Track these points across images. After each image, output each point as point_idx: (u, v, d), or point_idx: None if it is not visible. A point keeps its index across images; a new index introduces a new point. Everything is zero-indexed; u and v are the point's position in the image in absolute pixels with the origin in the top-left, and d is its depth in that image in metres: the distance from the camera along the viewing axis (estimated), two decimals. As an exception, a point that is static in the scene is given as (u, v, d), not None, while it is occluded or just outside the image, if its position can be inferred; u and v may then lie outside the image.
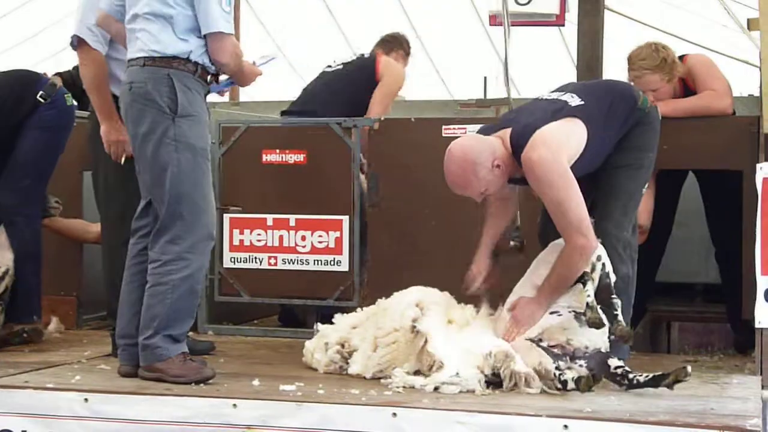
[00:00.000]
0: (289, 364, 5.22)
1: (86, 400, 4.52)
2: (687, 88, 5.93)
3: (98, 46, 5.28)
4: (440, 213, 5.90)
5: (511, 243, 5.33)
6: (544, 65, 11.53)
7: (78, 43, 5.28)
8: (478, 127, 5.73)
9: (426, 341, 4.69)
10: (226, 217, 6.28)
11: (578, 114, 4.87)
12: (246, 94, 12.93)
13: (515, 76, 11.85)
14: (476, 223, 5.61)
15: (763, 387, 4.66)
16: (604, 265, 4.77)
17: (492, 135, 4.89)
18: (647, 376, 4.57)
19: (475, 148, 4.82)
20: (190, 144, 4.73)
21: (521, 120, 4.88)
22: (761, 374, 4.88)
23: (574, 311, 4.72)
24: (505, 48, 6.01)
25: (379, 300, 5.10)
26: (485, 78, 6.31)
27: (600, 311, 4.66)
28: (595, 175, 4.99)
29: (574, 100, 4.92)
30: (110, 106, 5.24)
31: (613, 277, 4.78)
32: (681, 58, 5.96)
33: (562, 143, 4.75)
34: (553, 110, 4.88)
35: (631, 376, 4.60)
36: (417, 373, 4.69)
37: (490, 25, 7.23)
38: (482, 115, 5.87)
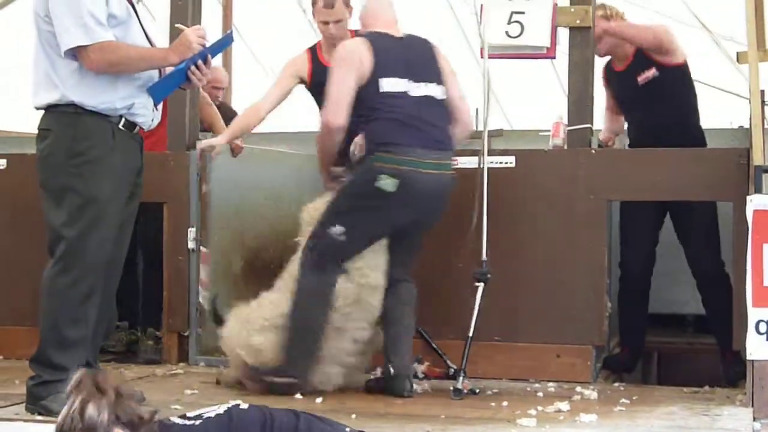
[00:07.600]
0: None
1: (76, 432, 4.50)
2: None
3: (108, 35, 4.60)
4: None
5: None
6: (536, 97, 11.56)
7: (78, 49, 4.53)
8: (468, 159, 5.77)
9: None
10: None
11: None
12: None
13: (506, 108, 11.87)
14: (452, 248, 5.63)
15: (754, 419, 4.66)
16: None
17: None
18: None
19: None
20: None
21: None
22: (753, 406, 4.88)
23: None
24: (486, 82, 6.05)
25: None
26: (477, 110, 6.29)
27: None
28: None
29: None
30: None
31: None
32: None
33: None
34: None
35: None
36: None
37: (482, 57, 7.23)
38: (473, 147, 5.86)
